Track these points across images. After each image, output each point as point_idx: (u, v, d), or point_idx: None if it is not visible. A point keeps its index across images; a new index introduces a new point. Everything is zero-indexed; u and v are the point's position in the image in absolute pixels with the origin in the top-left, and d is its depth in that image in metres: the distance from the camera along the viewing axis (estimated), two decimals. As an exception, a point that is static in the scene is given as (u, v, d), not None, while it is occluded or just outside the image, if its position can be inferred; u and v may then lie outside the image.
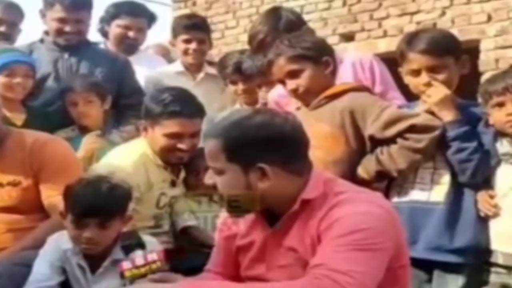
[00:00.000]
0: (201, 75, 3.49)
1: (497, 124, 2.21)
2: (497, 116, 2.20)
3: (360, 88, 2.43)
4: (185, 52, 3.46)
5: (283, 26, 2.77)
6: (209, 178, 1.80)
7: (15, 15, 3.50)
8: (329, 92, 2.37)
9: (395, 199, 2.30)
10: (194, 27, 3.46)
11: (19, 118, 2.88)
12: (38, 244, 2.23)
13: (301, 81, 2.37)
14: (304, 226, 1.73)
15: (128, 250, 1.78)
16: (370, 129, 2.28)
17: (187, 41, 3.45)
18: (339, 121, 2.30)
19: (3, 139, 2.43)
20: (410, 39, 2.32)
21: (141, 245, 1.81)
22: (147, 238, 2.28)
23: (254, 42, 2.85)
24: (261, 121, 1.74)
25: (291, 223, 1.76)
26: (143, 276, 1.74)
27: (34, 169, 2.42)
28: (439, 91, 2.23)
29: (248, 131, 1.73)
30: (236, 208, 1.79)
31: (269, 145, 1.72)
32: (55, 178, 2.39)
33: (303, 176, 1.76)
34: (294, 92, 2.41)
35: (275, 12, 2.89)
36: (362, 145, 2.32)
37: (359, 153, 2.31)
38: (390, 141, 2.26)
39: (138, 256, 1.77)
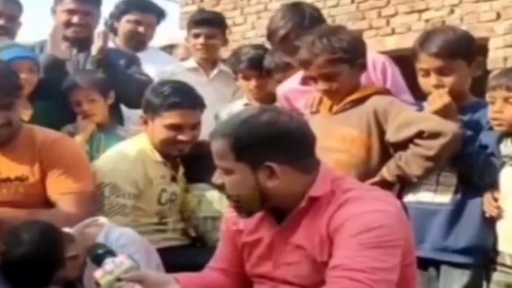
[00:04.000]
0: (214, 72, 3.48)
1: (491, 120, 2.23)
2: (490, 112, 2.22)
3: (383, 91, 2.43)
4: (194, 47, 3.47)
5: (308, 22, 2.74)
6: (218, 178, 1.80)
7: (14, 9, 3.46)
8: (354, 96, 2.36)
9: (405, 199, 2.32)
10: (203, 22, 3.45)
11: (26, 113, 2.87)
12: None
13: (335, 83, 2.35)
14: (312, 224, 1.73)
15: (100, 259, 1.81)
16: (387, 132, 2.28)
17: (196, 36, 3.45)
18: (366, 125, 2.30)
19: (15, 134, 2.44)
20: (423, 40, 2.31)
21: (111, 253, 1.83)
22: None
23: (276, 37, 2.80)
24: (267, 119, 1.74)
25: (298, 220, 1.76)
26: (118, 279, 1.74)
27: (42, 166, 2.42)
28: (439, 100, 2.22)
29: (255, 130, 1.73)
30: (238, 208, 1.80)
31: (277, 143, 1.72)
32: (64, 176, 2.40)
33: (311, 174, 1.76)
34: (325, 92, 2.39)
35: (298, 8, 2.85)
36: (386, 148, 2.31)
37: (383, 156, 2.31)
38: (406, 145, 2.25)
39: (107, 263, 1.78)
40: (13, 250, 2.06)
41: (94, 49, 3.08)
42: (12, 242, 2.07)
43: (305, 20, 2.76)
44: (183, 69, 3.48)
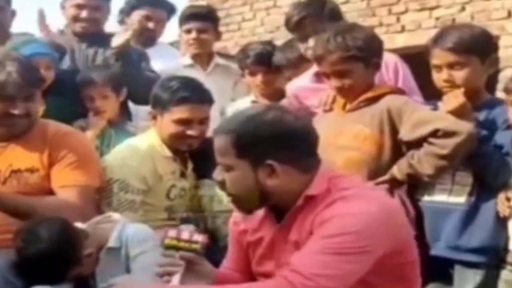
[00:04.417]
0: (211, 66, 3.49)
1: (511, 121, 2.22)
2: (510, 114, 2.22)
3: (397, 91, 2.43)
4: (187, 42, 3.48)
5: (328, 13, 2.76)
6: (218, 174, 1.81)
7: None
8: (368, 95, 2.36)
9: (419, 198, 2.32)
10: (193, 17, 3.46)
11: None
12: (29, 212, 2.26)
13: (348, 81, 2.35)
14: (304, 222, 1.74)
15: (185, 221, 1.82)
16: (401, 131, 2.28)
17: (187, 31, 3.46)
18: (378, 123, 2.30)
19: (30, 127, 2.45)
20: (438, 36, 2.32)
21: (197, 224, 1.84)
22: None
23: (291, 23, 2.81)
24: (272, 118, 1.75)
25: (294, 219, 1.77)
26: (178, 249, 1.77)
27: (51, 157, 2.42)
28: (454, 100, 2.21)
29: (258, 128, 1.73)
30: (238, 205, 1.81)
31: (279, 142, 1.73)
32: (70, 168, 2.41)
33: (310, 173, 1.77)
34: (338, 89, 2.39)
35: (316, 0, 2.86)
36: (398, 147, 2.31)
37: (395, 155, 2.30)
38: (420, 144, 2.25)
39: (185, 230, 1.80)
40: (31, 246, 2.07)
41: (115, 42, 3.06)
42: (30, 239, 2.08)
43: (325, 9, 2.77)
44: (179, 67, 3.47)
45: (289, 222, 1.77)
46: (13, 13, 3.36)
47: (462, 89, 2.23)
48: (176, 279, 1.74)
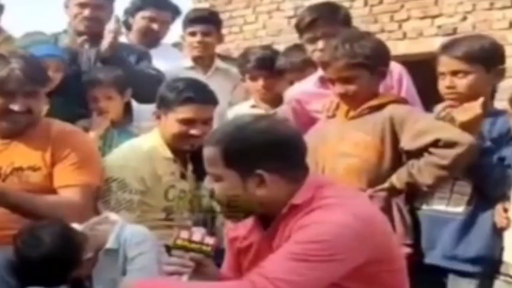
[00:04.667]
0: (211, 69, 3.51)
1: None
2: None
3: (401, 101, 2.45)
4: (191, 45, 3.50)
5: (342, 18, 2.78)
6: (209, 183, 1.83)
7: None
8: (372, 103, 2.37)
9: (418, 207, 2.33)
10: (198, 20, 3.49)
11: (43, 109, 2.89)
12: (32, 209, 2.27)
13: (353, 88, 2.36)
14: (285, 228, 1.76)
15: (197, 224, 1.84)
16: (403, 140, 2.29)
17: (192, 34, 3.49)
18: (380, 131, 2.31)
19: (33, 125, 2.45)
20: (448, 44, 2.34)
21: (205, 225, 1.86)
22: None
23: (302, 23, 2.81)
24: (261, 128, 1.77)
25: (278, 226, 1.79)
26: (188, 250, 1.79)
27: (55, 157, 2.43)
28: (470, 112, 2.21)
29: (247, 138, 1.75)
30: (234, 210, 1.82)
31: (269, 152, 1.74)
32: (73, 168, 2.42)
33: (298, 183, 1.78)
34: (342, 96, 2.41)
35: (330, 4, 2.89)
36: (399, 156, 2.32)
37: (395, 163, 2.31)
38: (420, 154, 2.26)
39: (197, 232, 1.82)
40: (33, 250, 2.07)
41: (103, 46, 3.09)
42: (32, 242, 2.08)
43: (338, 14, 2.79)
44: (180, 69, 3.49)
45: (274, 230, 1.79)
46: (1, 8, 3.35)
47: (481, 99, 2.21)
48: (184, 279, 1.77)
